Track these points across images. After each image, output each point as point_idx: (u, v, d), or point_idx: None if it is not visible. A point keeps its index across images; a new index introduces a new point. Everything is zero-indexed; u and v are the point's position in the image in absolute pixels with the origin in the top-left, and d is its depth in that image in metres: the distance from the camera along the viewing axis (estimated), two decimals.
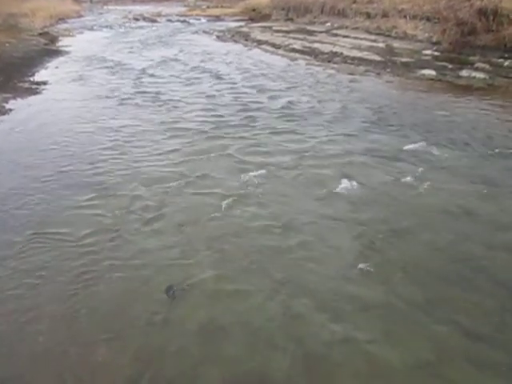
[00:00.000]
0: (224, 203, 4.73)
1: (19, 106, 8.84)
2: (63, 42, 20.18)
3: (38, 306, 3.34)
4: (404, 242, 4.09)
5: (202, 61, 14.21)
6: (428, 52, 13.60)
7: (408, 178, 5.29)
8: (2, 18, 24.55)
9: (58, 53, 16.75)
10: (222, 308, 3.29)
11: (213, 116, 7.90)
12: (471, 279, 3.59)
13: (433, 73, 11.40)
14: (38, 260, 3.83)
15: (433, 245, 4.05)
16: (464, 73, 11.16)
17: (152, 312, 3.25)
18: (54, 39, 20.69)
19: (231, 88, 10.21)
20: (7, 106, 8.69)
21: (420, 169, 5.56)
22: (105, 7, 62.60)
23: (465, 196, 4.90)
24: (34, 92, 10.02)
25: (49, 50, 16.99)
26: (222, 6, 44.63)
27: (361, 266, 3.72)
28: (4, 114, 8.22)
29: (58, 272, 3.68)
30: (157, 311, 3.25)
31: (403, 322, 3.17)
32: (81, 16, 41.20)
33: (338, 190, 5.03)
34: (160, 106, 8.69)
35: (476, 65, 11.78)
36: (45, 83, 10.97)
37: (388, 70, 12.07)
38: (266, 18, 27.96)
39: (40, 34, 21.16)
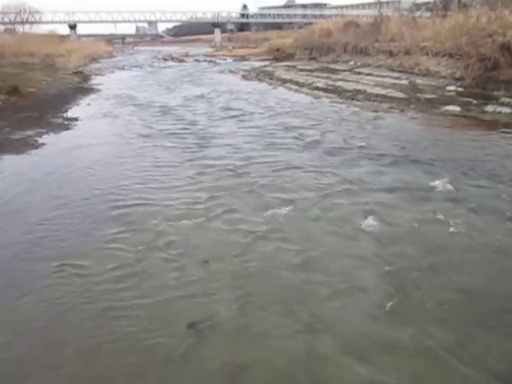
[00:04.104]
0: (248, 240, 4.71)
1: (51, 140, 9.21)
2: (95, 81, 21.13)
3: (60, 338, 3.35)
4: (431, 282, 3.96)
5: (227, 99, 14.59)
6: (451, 88, 13.60)
7: (434, 216, 5.18)
8: (40, 58, 26.12)
9: (89, 90, 17.55)
10: (244, 347, 3.21)
11: (238, 153, 7.99)
12: (502, 320, 3.43)
13: (457, 108, 11.35)
14: (62, 292, 3.87)
15: (461, 284, 3.91)
16: (489, 108, 11.08)
17: (174, 348, 3.20)
18: (86, 78, 21.76)
19: (256, 125, 10.38)
20: (40, 141, 9.06)
21: (447, 206, 5.44)
22: (135, 48, 65.75)
23: (494, 234, 4.74)
24: (66, 127, 10.45)
25: (81, 88, 17.83)
26: (247, 47, 46.23)
27: (387, 306, 3.60)
28: (37, 147, 8.57)
29: (82, 305, 3.70)
30: (178, 348, 3.20)
31: (432, 365, 3.03)
32: (113, 56, 43.25)
33: (363, 227, 4.96)
34: (187, 143, 8.87)
35: (501, 100, 11.67)
36: (76, 119, 11.44)
37: (412, 106, 12.09)
38: (289, 57, 28.73)
39: (74, 72, 22.33)
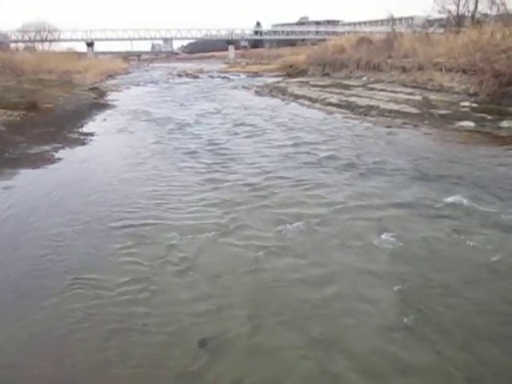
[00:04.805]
0: (260, 255, 4.69)
1: (67, 155, 9.34)
2: (111, 97, 21.51)
3: (72, 351, 3.34)
4: (446, 300, 3.87)
5: (241, 115, 14.71)
6: (466, 103, 13.50)
7: (448, 233, 5.10)
8: (58, 75, 26.77)
9: (105, 106, 17.86)
10: (256, 364, 3.16)
11: (252, 169, 8.01)
12: None
13: (471, 124, 11.25)
14: (74, 305, 3.88)
15: (476, 302, 3.81)
16: (504, 123, 10.95)
17: (184, 365, 3.17)
18: (102, 94, 22.20)
19: (269, 141, 10.42)
20: (56, 155, 9.21)
21: (461, 223, 5.35)
22: (151, 65, 67.08)
23: (508, 252, 4.64)
24: (82, 142, 10.61)
25: (97, 104, 18.16)
26: (260, 63, 46.81)
27: (401, 324, 3.53)
28: (53, 162, 8.71)
29: (94, 319, 3.70)
30: (189, 364, 3.17)
31: None
32: (128, 73, 44.11)
33: (376, 243, 4.90)
34: (200, 157, 8.94)
35: None
36: (92, 134, 11.62)
37: (426, 122, 12.02)
38: (302, 73, 28.93)
39: (90, 88, 22.80)
